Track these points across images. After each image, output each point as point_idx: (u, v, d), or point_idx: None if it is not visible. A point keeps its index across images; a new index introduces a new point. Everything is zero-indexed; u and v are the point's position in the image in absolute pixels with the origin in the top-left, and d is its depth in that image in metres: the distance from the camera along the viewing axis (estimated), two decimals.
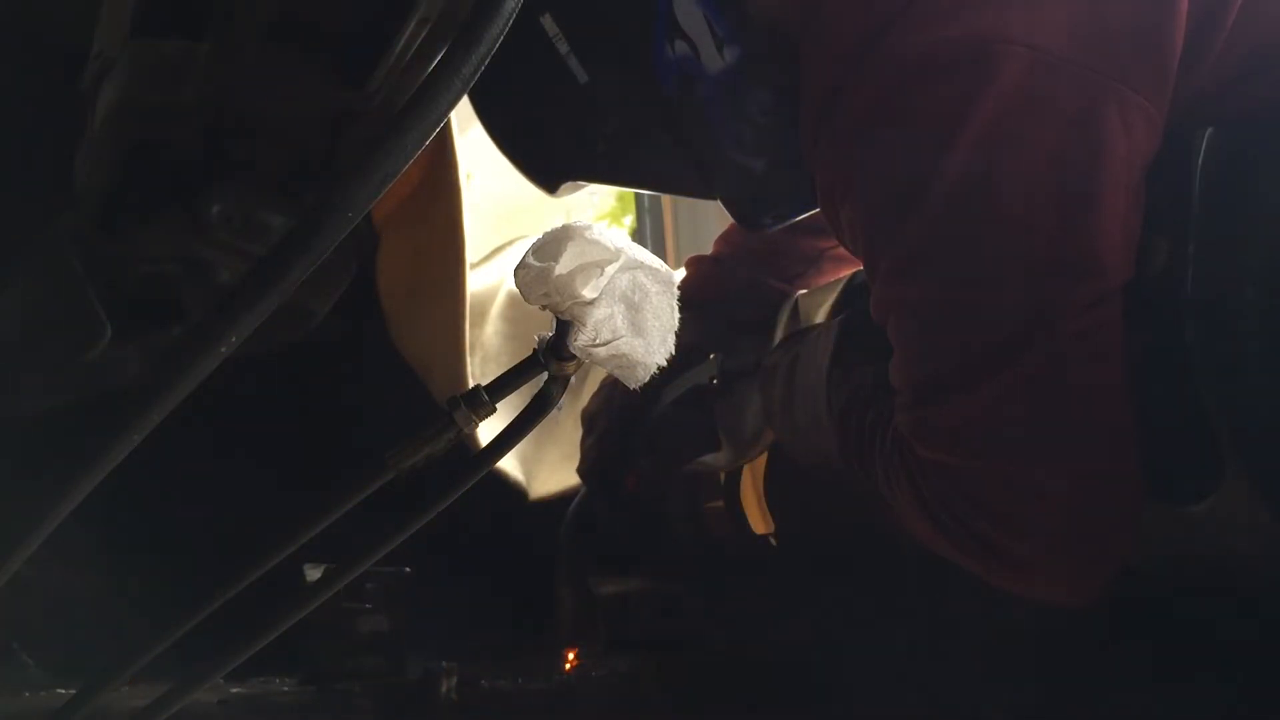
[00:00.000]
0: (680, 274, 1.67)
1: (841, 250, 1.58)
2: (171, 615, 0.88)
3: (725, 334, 1.60)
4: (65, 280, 1.33)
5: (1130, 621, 1.13)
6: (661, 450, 1.62)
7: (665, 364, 0.79)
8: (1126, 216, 1.01)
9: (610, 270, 0.74)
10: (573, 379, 0.82)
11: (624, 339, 0.76)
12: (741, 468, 1.69)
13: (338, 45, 1.30)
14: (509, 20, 0.68)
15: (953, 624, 1.33)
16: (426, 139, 0.68)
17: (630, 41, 1.23)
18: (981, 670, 1.30)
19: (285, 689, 1.44)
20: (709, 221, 2.48)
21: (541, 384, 0.83)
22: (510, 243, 2.17)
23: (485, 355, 1.91)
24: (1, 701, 1.35)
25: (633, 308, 0.77)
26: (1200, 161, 1.00)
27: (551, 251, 0.74)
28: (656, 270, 0.78)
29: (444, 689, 1.36)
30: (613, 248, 0.75)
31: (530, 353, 0.80)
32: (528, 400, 0.83)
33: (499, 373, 0.83)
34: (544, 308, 0.76)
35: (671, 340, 0.79)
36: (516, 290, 0.77)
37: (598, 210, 3.20)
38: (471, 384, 0.88)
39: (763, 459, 1.65)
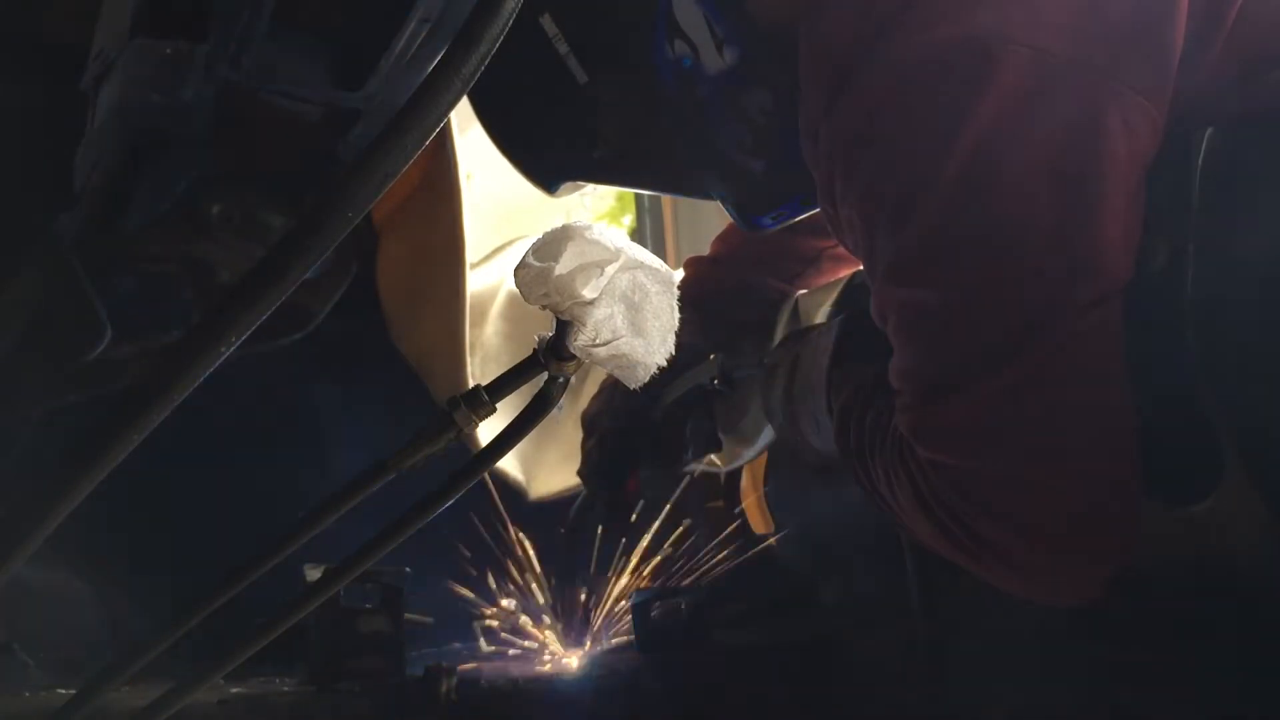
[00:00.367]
0: (679, 274, 1.67)
1: (841, 250, 1.58)
2: (171, 615, 0.88)
3: (725, 334, 1.60)
4: (65, 280, 1.32)
5: (1130, 621, 1.13)
6: (662, 451, 1.62)
7: (665, 364, 0.79)
8: (1126, 216, 1.01)
9: (610, 270, 0.74)
10: (573, 379, 0.82)
11: (624, 339, 0.76)
12: (741, 468, 1.69)
13: (338, 45, 1.30)
14: (509, 20, 0.68)
15: (952, 623, 1.33)
16: (426, 139, 0.68)
17: (630, 42, 1.23)
18: (981, 670, 1.30)
19: (285, 689, 1.44)
20: (709, 221, 2.48)
21: (541, 384, 0.83)
22: (510, 243, 2.17)
23: (485, 355, 1.91)
24: (1, 701, 1.34)
25: (633, 308, 0.77)
26: (1200, 161, 1.00)
27: (551, 251, 0.75)
28: (656, 270, 0.78)
29: (444, 689, 1.36)
30: (613, 248, 0.75)
31: (530, 353, 0.80)
32: (528, 400, 0.83)
33: (499, 373, 0.83)
34: (544, 308, 0.76)
35: (671, 340, 0.79)
36: (516, 290, 0.77)
37: (597, 210, 3.20)
38: (471, 384, 0.88)
39: (763, 459, 1.65)
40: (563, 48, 1.24)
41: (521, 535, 1.66)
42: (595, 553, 1.66)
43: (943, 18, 1.02)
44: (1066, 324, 0.99)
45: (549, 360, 0.79)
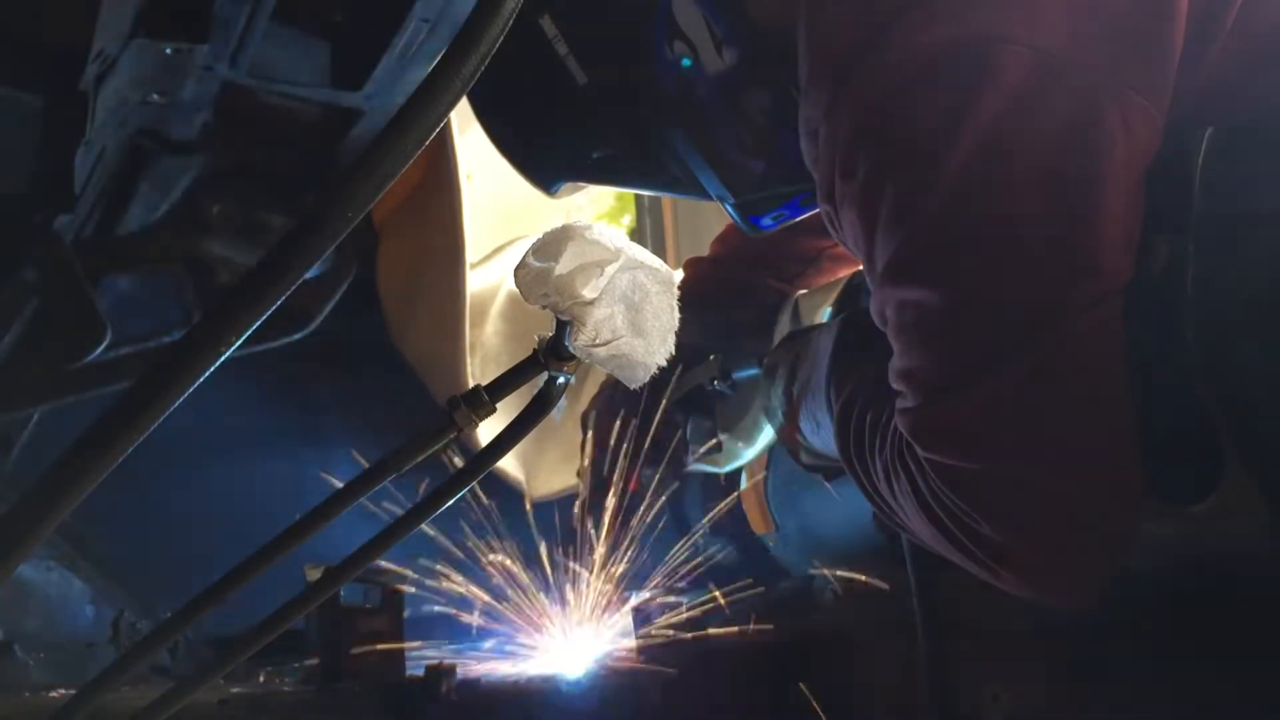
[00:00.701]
0: (679, 274, 1.67)
1: (841, 250, 1.58)
2: (171, 615, 0.88)
3: (725, 334, 1.60)
4: (65, 280, 1.33)
5: (1130, 620, 1.13)
6: (662, 451, 1.62)
7: (665, 364, 0.79)
8: (1126, 216, 1.01)
9: (610, 270, 0.74)
10: (573, 379, 0.82)
11: (624, 339, 0.76)
12: (741, 468, 1.69)
13: (338, 45, 1.31)
14: (509, 20, 0.68)
15: (952, 623, 1.33)
16: (426, 139, 0.68)
17: (629, 43, 1.23)
18: (981, 670, 1.30)
19: (285, 689, 1.44)
20: (709, 221, 2.48)
21: (541, 384, 0.83)
22: (510, 243, 2.17)
23: (485, 355, 1.91)
24: (1, 701, 1.34)
25: (633, 308, 0.77)
26: (1200, 161, 1.00)
27: (551, 251, 0.75)
28: (656, 270, 0.78)
29: (444, 689, 1.36)
30: (613, 248, 0.75)
31: (530, 353, 0.80)
32: (528, 400, 0.83)
33: (499, 373, 0.83)
34: (544, 308, 0.76)
35: (671, 340, 0.79)
36: (516, 290, 0.77)
37: (598, 210, 3.21)
38: (471, 384, 0.88)
39: (763, 459, 1.65)
40: (562, 49, 1.24)
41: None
42: (595, 552, 1.66)
43: (942, 18, 1.02)
44: (1066, 324, 0.99)
45: (549, 360, 0.79)
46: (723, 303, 1.63)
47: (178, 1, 1.17)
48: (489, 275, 2.05)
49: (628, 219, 3.08)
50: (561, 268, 0.74)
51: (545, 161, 1.38)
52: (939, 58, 1.01)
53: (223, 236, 1.44)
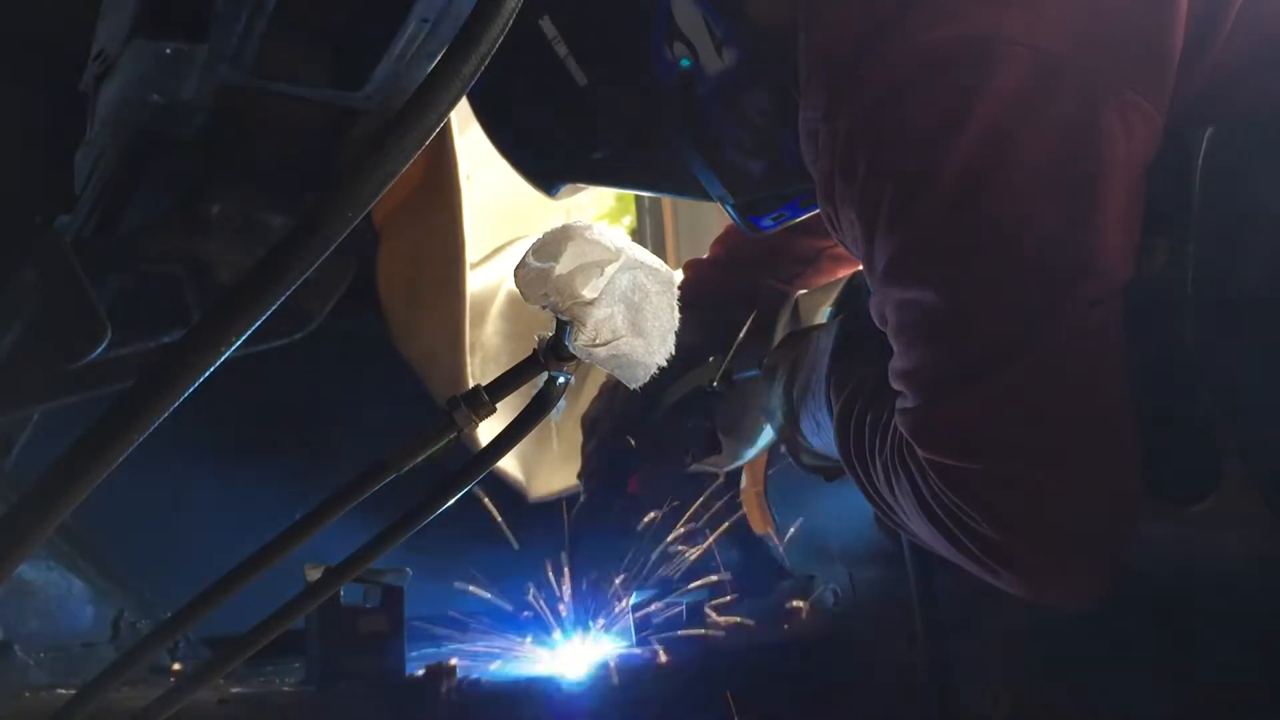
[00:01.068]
0: (679, 275, 1.67)
1: (840, 250, 1.58)
2: (171, 615, 0.88)
3: (725, 335, 1.60)
4: (65, 280, 1.32)
5: (1130, 621, 1.13)
6: (662, 453, 1.62)
7: (665, 364, 0.79)
8: (1126, 216, 1.01)
9: (610, 270, 0.74)
10: (573, 379, 0.82)
11: (624, 339, 0.76)
12: (741, 468, 1.69)
13: (338, 45, 1.31)
14: (509, 21, 0.68)
15: (952, 623, 1.33)
16: (426, 139, 0.68)
17: (629, 44, 1.23)
18: (981, 670, 1.30)
19: (285, 689, 1.44)
20: (709, 222, 2.48)
21: (541, 384, 0.83)
22: (510, 243, 2.17)
23: (485, 355, 1.91)
24: (1, 701, 1.34)
25: (633, 308, 0.77)
26: (1200, 161, 1.00)
27: (551, 251, 0.75)
28: (656, 270, 0.78)
29: (444, 689, 1.36)
30: (613, 248, 0.75)
31: (530, 353, 0.80)
32: (528, 400, 0.83)
33: (499, 373, 0.83)
34: (544, 308, 0.76)
35: (671, 340, 0.79)
36: (516, 290, 0.77)
37: (598, 210, 3.21)
38: (471, 384, 0.88)
39: (763, 459, 1.65)
40: (562, 50, 1.24)
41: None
42: (596, 553, 1.66)
43: (942, 18, 1.02)
44: (1066, 324, 0.99)
45: (549, 360, 0.79)
46: (723, 304, 1.63)
47: (178, 1, 1.17)
48: (489, 275, 2.05)
49: (628, 219, 3.08)
50: (561, 268, 0.74)
51: (545, 162, 1.38)
52: (939, 57, 1.01)
53: (223, 236, 1.44)
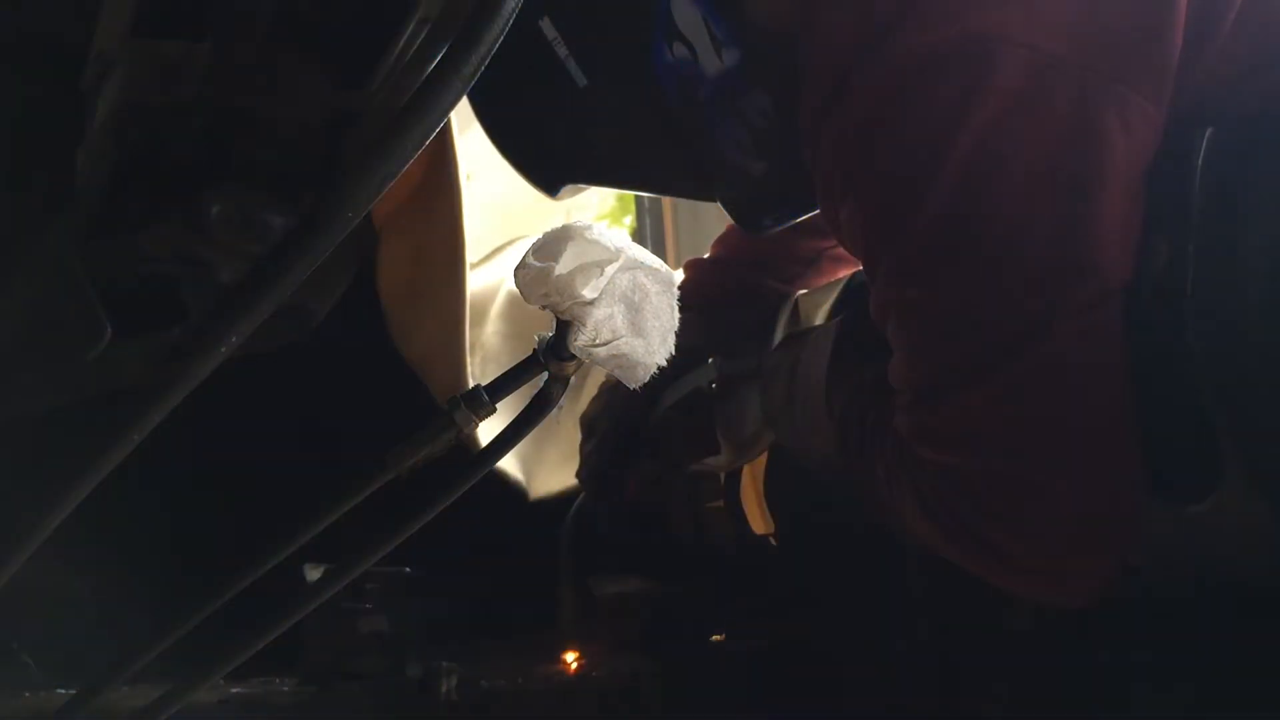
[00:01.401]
0: (679, 275, 1.67)
1: (840, 250, 1.58)
2: (171, 615, 0.88)
3: (725, 336, 1.60)
4: (65, 280, 1.32)
5: (1130, 621, 1.13)
6: (661, 454, 1.62)
7: (665, 364, 0.79)
8: (1126, 216, 1.01)
9: (610, 270, 0.74)
10: (573, 380, 0.82)
11: (624, 339, 0.76)
12: (741, 468, 1.69)
13: (338, 45, 1.30)
14: (509, 20, 0.68)
15: (952, 623, 1.33)
16: (426, 139, 0.68)
17: (629, 45, 1.23)
18: (981, 670, 1.30)
19: (285, 689, 1.44)
20: (709, 222, 2.48)
21: (541, 384, 0.83)
22: (510, 243, 2.17)
23: (485, 355, 1.91)
24: (1, 701, 1.34)
25: (633, 308, 0.77)
26: (1200, 161, 1.00)
27: (551, 251, 0.75)
28: (656, 270, 0.78)
29: (444, 689, 1.36)
30: (613, 248, 0.75)
31: (530, 353, 0.80)
32: (528, 400, 0.83)
33: (499, 373, 0.83)
34: (544, 308, 0.76)
35: (671, 340, 0.79)
36: (516, 290, 0.77)
37: (598, 210, 3.21)
38: (471, 384, 0.88)
39: (763, 459, 1.65)
40: (562, 51, 1.24)
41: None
42: (596, 555, 1.66)
43: (942, 18, 1.02)
44: (1066, 324, 0.99)
45: (549, 360, 0.79)
46: (723, 304, 1.63)
47: (178, 1, 1.17)
48: (489, 275, 2.04)
49: (628, 219, 3.08)
50: (561, 268, 0.74)
51: (546, 163, 1.38)
52: (938, 58, 1.01)
53: (223, 236, 1.44)
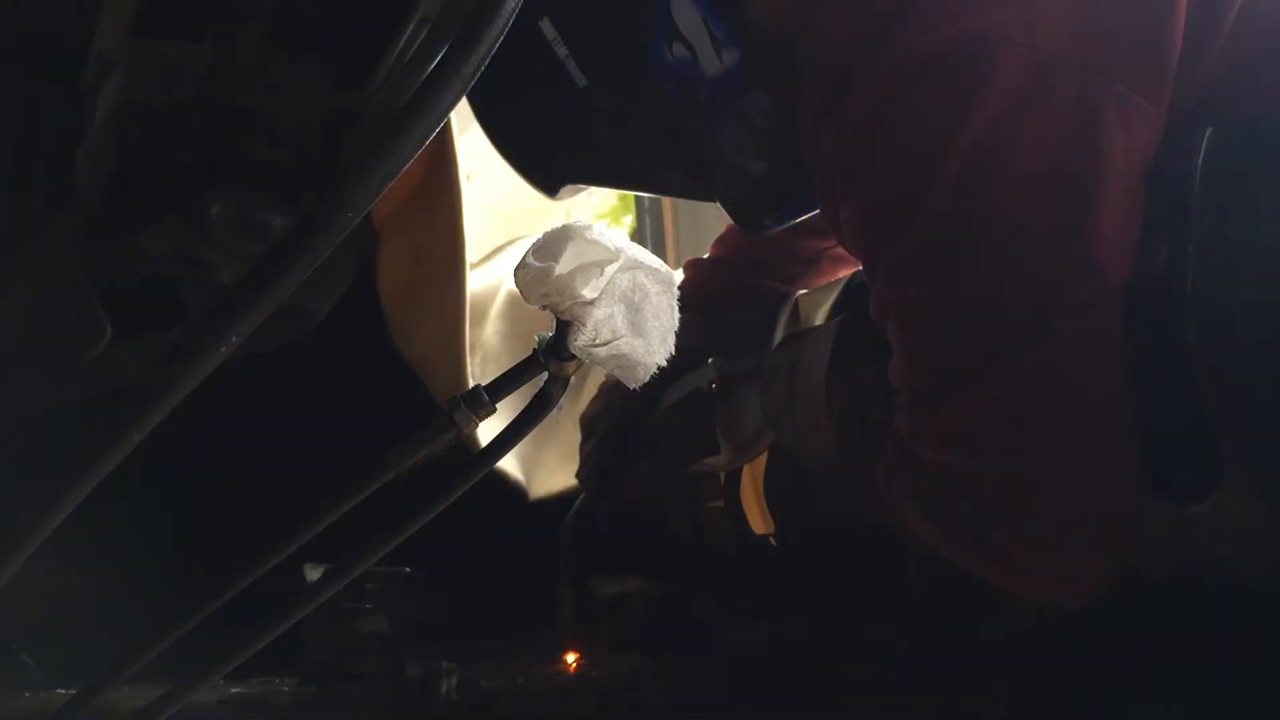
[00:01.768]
0: (679, 275, 1.67)
1: (840, 250, 1.58)
2: (171, 615, 0.88)
3: (725, 336, 1.60)
4: (65, 280, 1.32)
5: (1130, 621, 1.13)
6: (661, 454, 1.62)
7: (665, 364, 0.79)
8: (1126, 217, 1.01)
9: (610, 270, 0.75)
10: (573, 380, 0.82)
11: (624, 339, 0.76)
12: (741, 468, 1.69)
13: (338, 45, 1.30)
14: (509, 21, 0.68)
15: (952, 623, 1.33)
16: (426, 139, 0.68)
17: (629, 45, 1.23)
18: (981, 669, 1.30)
19: (285, 689, 1.44)
20: (709, 222, 2.48)
21: (541, 384, 0.83)
22: (510, 243, 2.17)
23: (485, 355, 1.91)
24: (1, 701, 1.34)
25: (633, 308, 0.77)
26: (1200, 161, 1.00)
27: (551, 251, 0.75)
28: (656, 270, 0.78)
29: (444, 689, 1.36)
30: (613, 248, 0.75)
31: (530, 353, 0.80)
32: (528, 400, 0.83)
33: (499, 373, 0.83)
34: (544, 308, 0.76)
35: (671, 340, 0.79)
36: (516, 290, 0.77)
37: (598, 210, 3.21)
38: (471, 384, 0.88)
39: (763, 459, 1.65)
40: (562, 51, 1.24)
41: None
42: (596, 555, 1.66)
43: (942, 18, 1.02)
44: (1066, 324, 0.99)
45: (549, 360, 0.79)
46: (723, 304, 1.63)
47: (178, 1, 1.17)
48: (489, 275, 2.04)
49: (628, 219, 3.08)
50: (561, 268, 0.74)
51: (546, 163, 1.38)
52: (938, 58, 1.01)
53: (223, 236, 1.43)
